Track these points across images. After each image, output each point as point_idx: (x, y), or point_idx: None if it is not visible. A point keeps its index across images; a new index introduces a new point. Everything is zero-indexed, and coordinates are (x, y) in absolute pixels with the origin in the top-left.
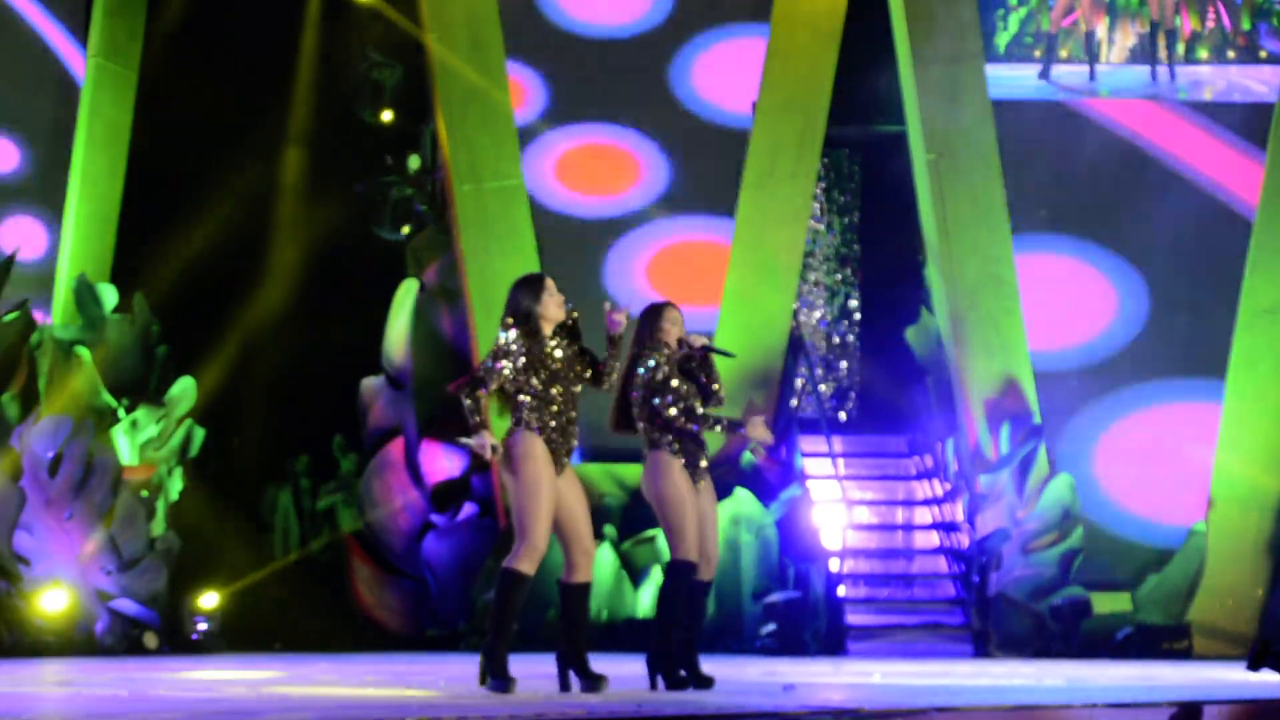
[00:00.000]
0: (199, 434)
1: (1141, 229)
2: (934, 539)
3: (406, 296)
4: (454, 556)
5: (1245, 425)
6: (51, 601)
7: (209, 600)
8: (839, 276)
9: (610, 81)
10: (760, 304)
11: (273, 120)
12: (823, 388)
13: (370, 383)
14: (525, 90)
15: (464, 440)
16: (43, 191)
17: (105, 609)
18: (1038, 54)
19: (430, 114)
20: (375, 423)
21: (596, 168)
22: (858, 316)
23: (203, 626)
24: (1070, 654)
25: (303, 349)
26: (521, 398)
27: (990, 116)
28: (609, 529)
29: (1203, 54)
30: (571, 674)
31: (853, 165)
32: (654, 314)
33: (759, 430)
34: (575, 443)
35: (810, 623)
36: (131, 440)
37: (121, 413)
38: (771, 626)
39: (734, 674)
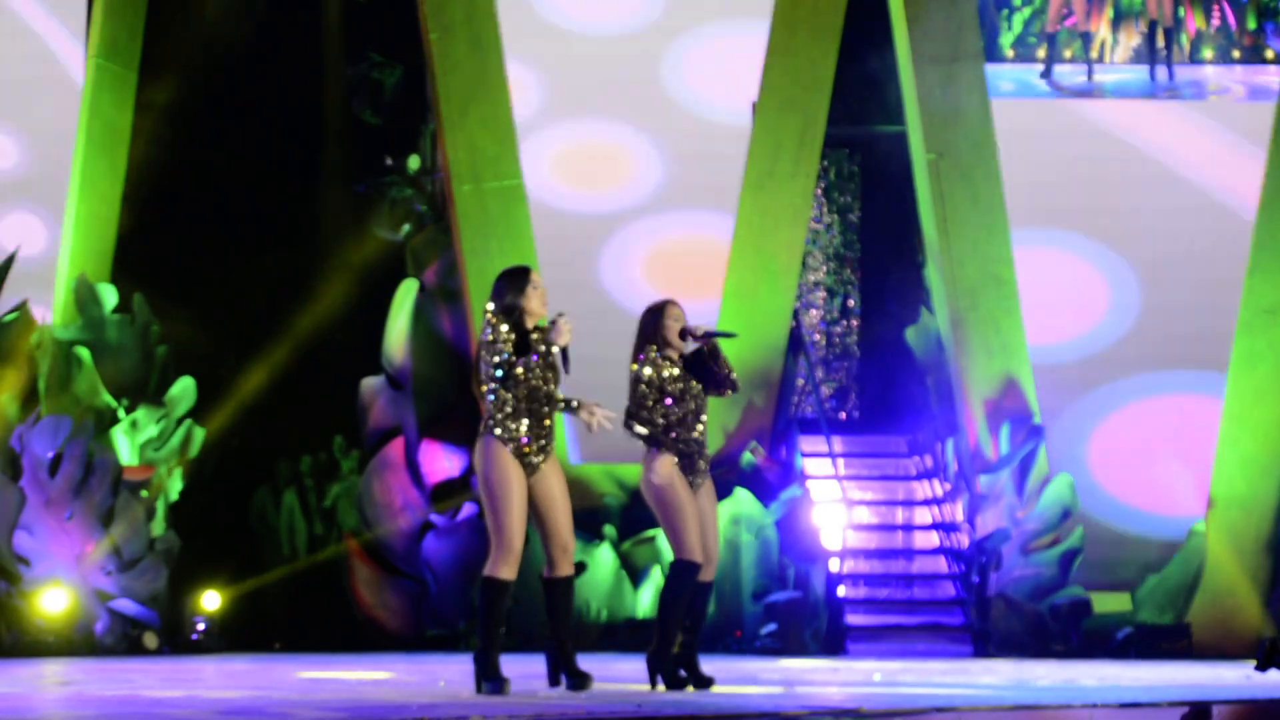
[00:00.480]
0: (199, 434)
1: (1140, 228)
2: (934, 539)
3: (406, 296)
4: (454, 556)
5: (1245, 425)
6: (51, 601)
7: (212, 601)
8: (839, 276)
9: (604, 78)
10: (760, 304)
11: (273, 121)
12: (823, 388)
13: (370, 383)
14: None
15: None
16: (42, 188)
17: (105, 609)
18: (1041, 54)
19: (430, 114)
20: (375, 423)
21: (592, 164)
22: (857, 317)
23: (202, 626)
24: (1070, 654)
25: (303, 349)
26: (489, 385)
27: (990, 116)
28: (609, 529)
29: (1207, 54)
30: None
31: (853, 165)
32: (656, 312)
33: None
34: (552, 441)
35: (810, 623)
36: (131, 440)
37: (121, 413)
38: (772, 626)
39: (734, 674)
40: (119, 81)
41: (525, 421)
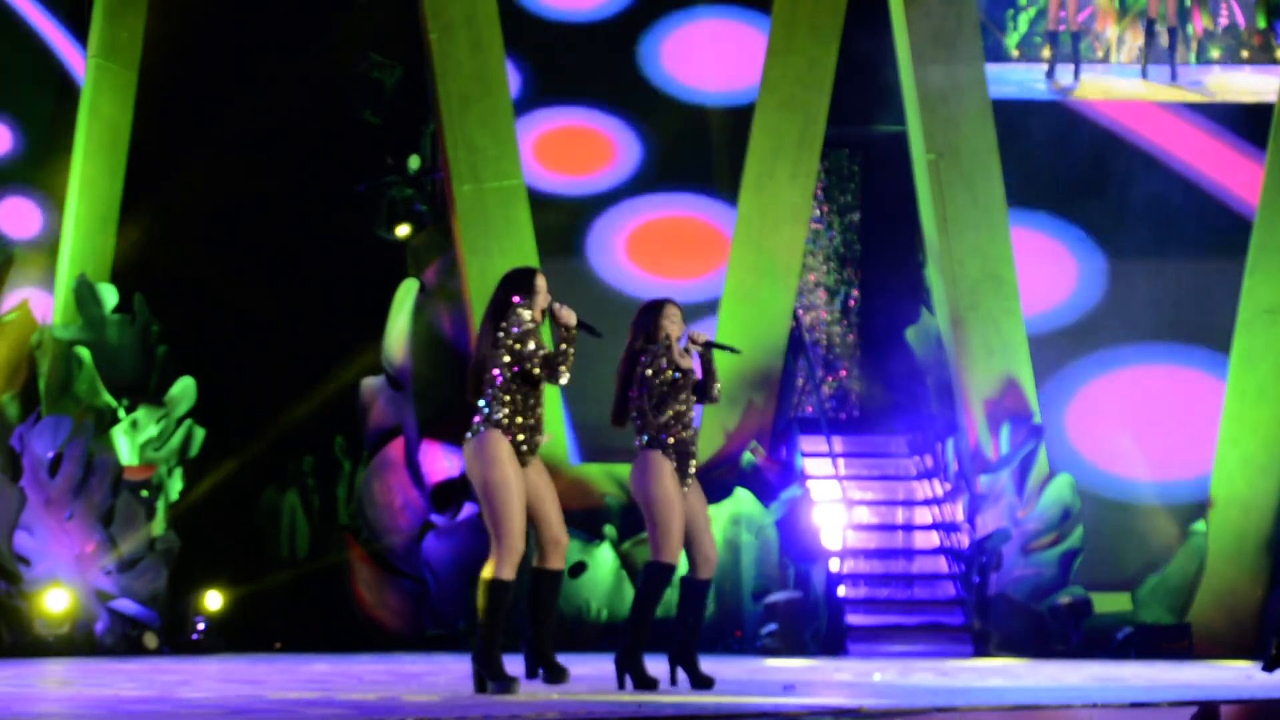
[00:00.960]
0: (199, 434)
1: (1139, 227)
2: (934, 539)
3: (406, 296)
4: (454, 556)
5: (1245, 425)
6: (52, 601)
7: (214, 601)
8: (839, 276)
9: (583, 63)
10: (760, 304)
11: (273, 120)
12: (823, 388)
13: (370, 383)
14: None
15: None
16: (37, 174)
17: (105, 609)
18: (1046, 54)
19: (430, 114)
20: (375, 423)
21: (573, 148)
22: (857, 317)
23: (202, 626)
24: (1070, 654)
25: (303, 349)
26: (501, 378)
27: (990, 116)
28: (609, 529)
29: (1215, 54)
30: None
31: (853, 165)
32: (653, 311)
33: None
34: (542, 437)
35: (810, 623)
36: (131, 440)
37: (121, 413)
38: (772, 626)
39: (734, 674)
40: (119, 81)
41: (519, 419)
